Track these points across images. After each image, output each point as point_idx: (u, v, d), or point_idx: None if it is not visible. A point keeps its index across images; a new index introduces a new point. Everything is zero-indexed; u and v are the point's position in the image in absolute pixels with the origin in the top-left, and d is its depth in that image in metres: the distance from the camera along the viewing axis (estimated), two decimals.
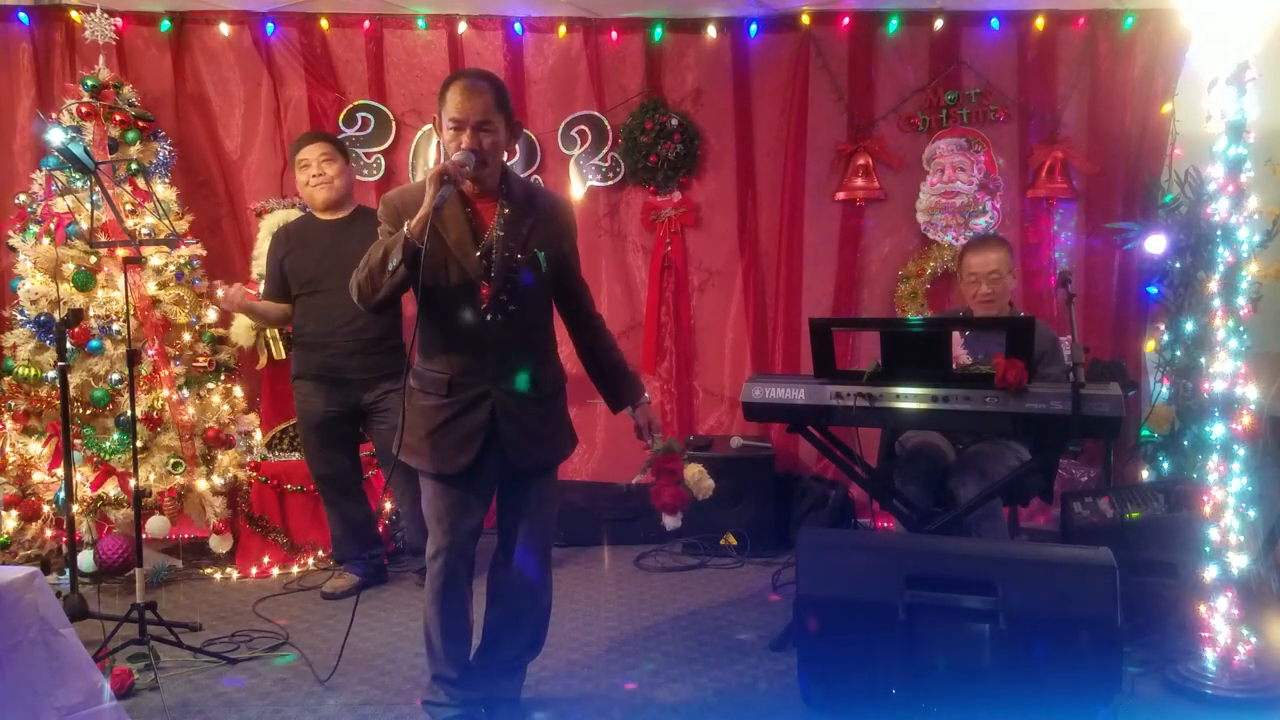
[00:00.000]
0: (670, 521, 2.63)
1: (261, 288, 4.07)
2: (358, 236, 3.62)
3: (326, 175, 3.67)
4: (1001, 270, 3.43)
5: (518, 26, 4.63)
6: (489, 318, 2.36)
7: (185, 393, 4.04)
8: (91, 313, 3.90)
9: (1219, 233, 2.88)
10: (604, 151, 4.66)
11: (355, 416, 3.74)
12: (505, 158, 2.46)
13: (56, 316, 3.42)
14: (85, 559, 3.81)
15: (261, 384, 4.44)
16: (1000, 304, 3.45)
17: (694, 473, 2.59)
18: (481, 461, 2.41)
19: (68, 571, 3.24)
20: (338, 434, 3.74)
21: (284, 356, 4.21)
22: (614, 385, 2.64)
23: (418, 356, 2.45)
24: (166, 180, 4.20)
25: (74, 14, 4.34)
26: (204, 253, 4.25)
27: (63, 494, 3.30)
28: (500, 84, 2.38)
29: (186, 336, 4.10)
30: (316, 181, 3.67)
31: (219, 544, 4.08)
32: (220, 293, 3.64)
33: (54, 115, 4.12)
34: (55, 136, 3.24)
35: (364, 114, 4.60)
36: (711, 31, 4.63)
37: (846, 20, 4.59)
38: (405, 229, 2.22)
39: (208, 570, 4.10)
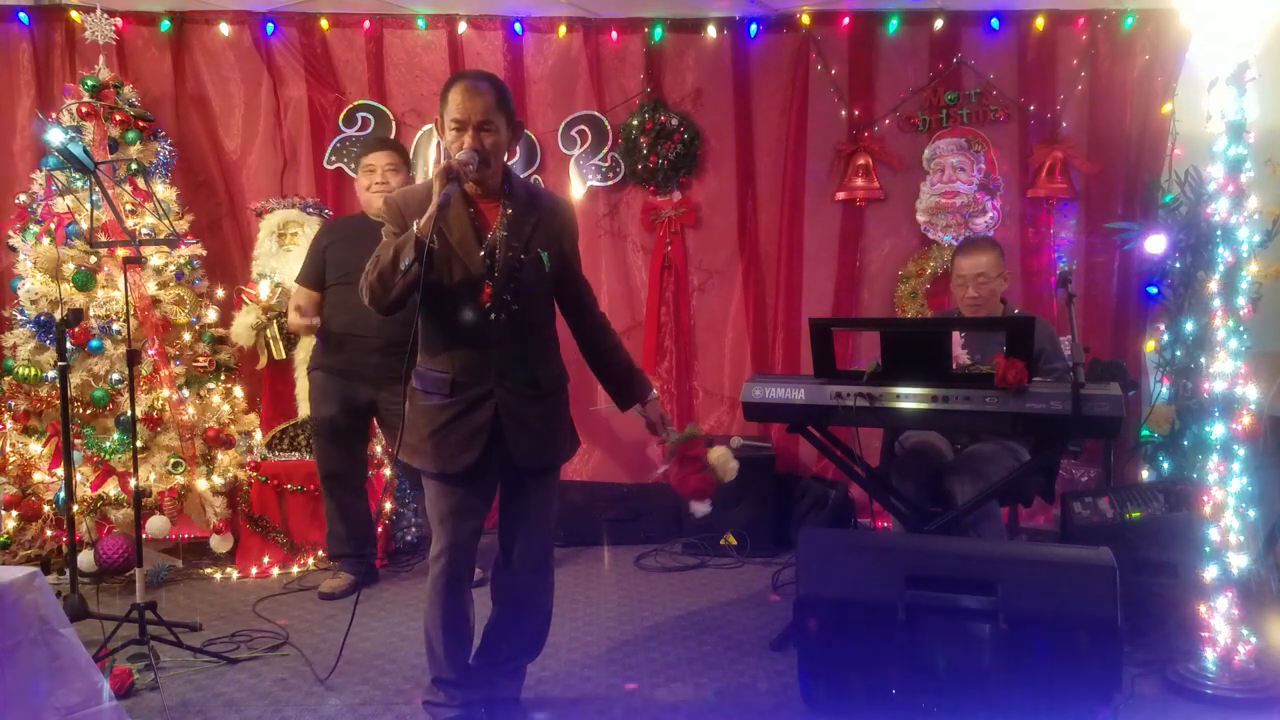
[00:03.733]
0: (700, 508, 2.60)
1: (260, 286, 4.08)
2: None
3: (390, 185, 3.66)
4: (990, 273, 3.43)
5: (518, 26, 4.63)
6: (493, 317, 2.36)
7: (185, 393, 4.04)
8: (91, 313, 3.90)
9: (1219, 233, 2.88)
10: (604, 151, 4.66)
11: (367, 413, 3.75)
12: (506, 158, 2.47)
13: (56, 316, 3.41)
14: (85, 559, 3.81)
15: (261, 384, 4.45)
16: (988, 307, 3.45)
17: (718, 455, 2.57)
18: (485, 461, 2.41)
19: (68, 571, 3.24)
20: (349, 429, 3.75)
21: (284, 356, 4.22)
22: (621, 383, 2.63)
23: (420, 356, 2.44)
24: (166, 180, 4.20)
25: (74, 14, 4.34)
26: (204, 253, 4.25)
27: (63, 494, 3.30)
28: (501, 85, 2.39)
29: (186, 336, 4.10)
30: (379, 189, 3.67)
31: (219, 544, 4.08)
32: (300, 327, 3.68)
33: (54, 115, 4.12)
34: (55, 136, 3.24)
35: (364, 114, 4.60)
36: (711, 31, 4.63)
37: (846, 20, 4.60)
38: (414, 227, 2.22)
39: (208, 570, 4.10)
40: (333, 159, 4.60)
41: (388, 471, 4.22)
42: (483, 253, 2.36)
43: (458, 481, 2.42)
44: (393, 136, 4.62)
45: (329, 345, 3.71)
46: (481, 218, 2.40)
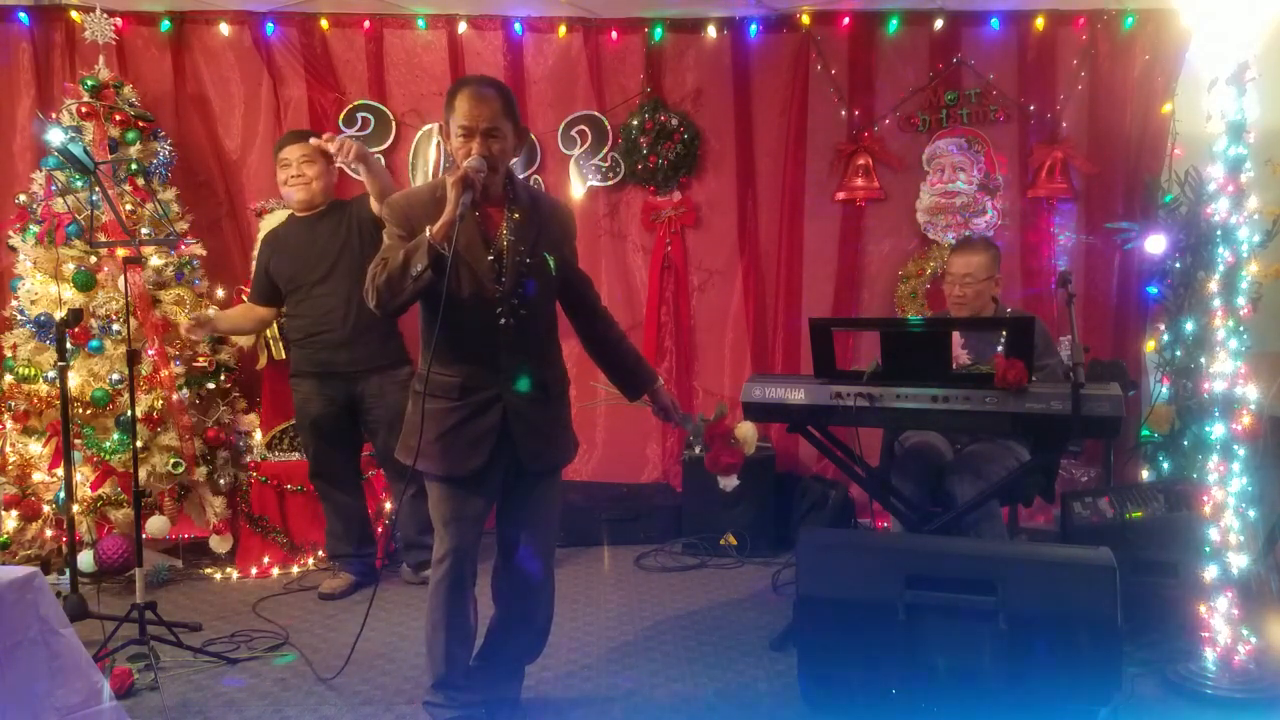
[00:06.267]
0: (729, 482, 2.70)
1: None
2: (328, 229, 3.66)
3: (305, 176, 3.67)
4: (978, 275, 3.43)
5: (518, 26, 4.63)
6: (501, 322, 2.37)
7: (185, 393, 4.04)
8: (91, 313, 3.90)
9: (1219, 233, 2.88)
10: (604, 151, 4.66)
11: (352, 410, 3.75)
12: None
13: (56, 316, 3.41)
14: (85, 559, 3.81)
15: (261, 384, 4.44)
16: (973, 307, 3.46)
17: (745, 429, 2.66)
18: (491, 463, 2.42)
19: (68, 571, 3.24)
20: (335, 429, 3.75)
21: (284, 356, 4.21)
22: (629, 373, 2.66)
23: (422, 361, 2.44)
24: (166, 180, 4.20)
25: (74, 14, 4.34)
26: (204, 253, 4.25)
27: (63, 494, 3.30)
28: (507, 91, 2.40)
29: None
30: (295, 182, 3.68)
31: (219, 544, 4.08)
32: (185, 328, 3.67)
33: (54, 115, 4.12)
34: (55, 136, 3.24)
35: (364, 114, 4.60)
36: (711, 31, 4.63)
37: (846, 20, 4.59)
38: (427, 234, 2.22)
39: (208, 570, 4.10)
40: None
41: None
42: (490, 258, 2.37)
43: (463, 484, 2.43)
44: (392, 137, 4.62)
45: (298, 351, 3.74)
46: (488, 223, 2.41)
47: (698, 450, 2.82)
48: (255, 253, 4.26)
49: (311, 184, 3.68)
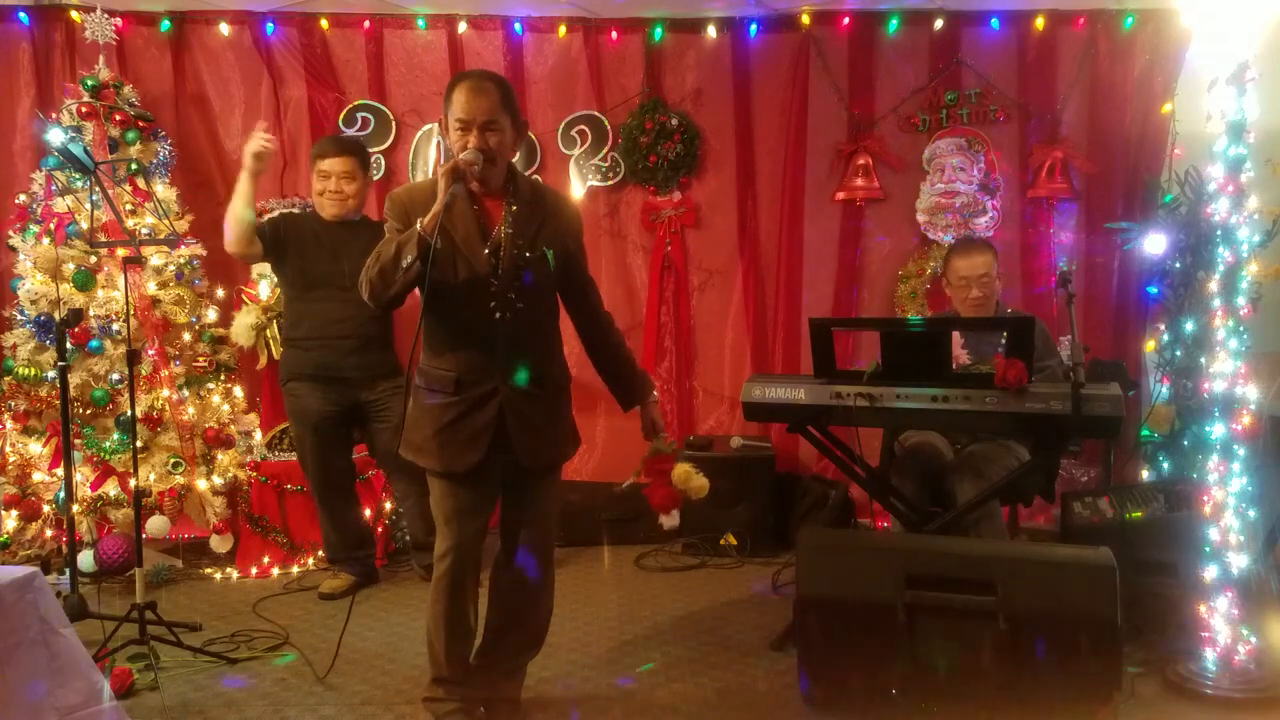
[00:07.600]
0: (667, 520, 2.64)
1: (260, 286, 4.06)
2: (361, 244, 3.61)
3: (344, 194, 3.63)
4: (990, 273, 3.44)
5: (518, 26, 4.63)
6: (498, 315, 2.37)
7: (185, 393, 4.04)
8: (91, 313, 3.90)
9: (1219, 233, 2.88)
10: (604, 151, 4.66)
11: (352, 416, 3.74)
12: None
13: (56, 316, 3.41)
14: (85, 559, 3.81)
15: (261, 384, 4.45)
16: (988, 306, 3.46)
17: (680, 473, 2.58)
18: (489, 460, 2.42)
19: (68, 571, 3.24)
20: (335, 434, 3.74)
21: None
22: (624, 382, 2.65)
23: (423, 355, 2.44)
24: (166, 180, 4.20)
25: (74, 14, 4.34)
26: (204, 253, 4.24)
27: (63, 494, 3.30)
28: (506, 84, 2.39)
29: (186, 336, 4.10)
30: (333, 197, 3.63)
31: (219, 544, 4.08)
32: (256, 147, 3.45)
33: (54, 115, 4.13)
34: (55, 136, 3.24)
35: (364, 114, 4.60)
36: (711, 31, 4.63)
37: (846, 20, 4.59)
38: (418, 225, 2.22)
39: (208, 570, 4.10)
40: None
41: None
42: (487, 251, 2.36)
43: (463, 480, 2.43)
44: (392, 137, 4.62)
45: (300, 354, 3.68)
46: (486, 216, 2.40)
47: (627, 483, 2.74)
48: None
49: (348, 201, 3.64)
